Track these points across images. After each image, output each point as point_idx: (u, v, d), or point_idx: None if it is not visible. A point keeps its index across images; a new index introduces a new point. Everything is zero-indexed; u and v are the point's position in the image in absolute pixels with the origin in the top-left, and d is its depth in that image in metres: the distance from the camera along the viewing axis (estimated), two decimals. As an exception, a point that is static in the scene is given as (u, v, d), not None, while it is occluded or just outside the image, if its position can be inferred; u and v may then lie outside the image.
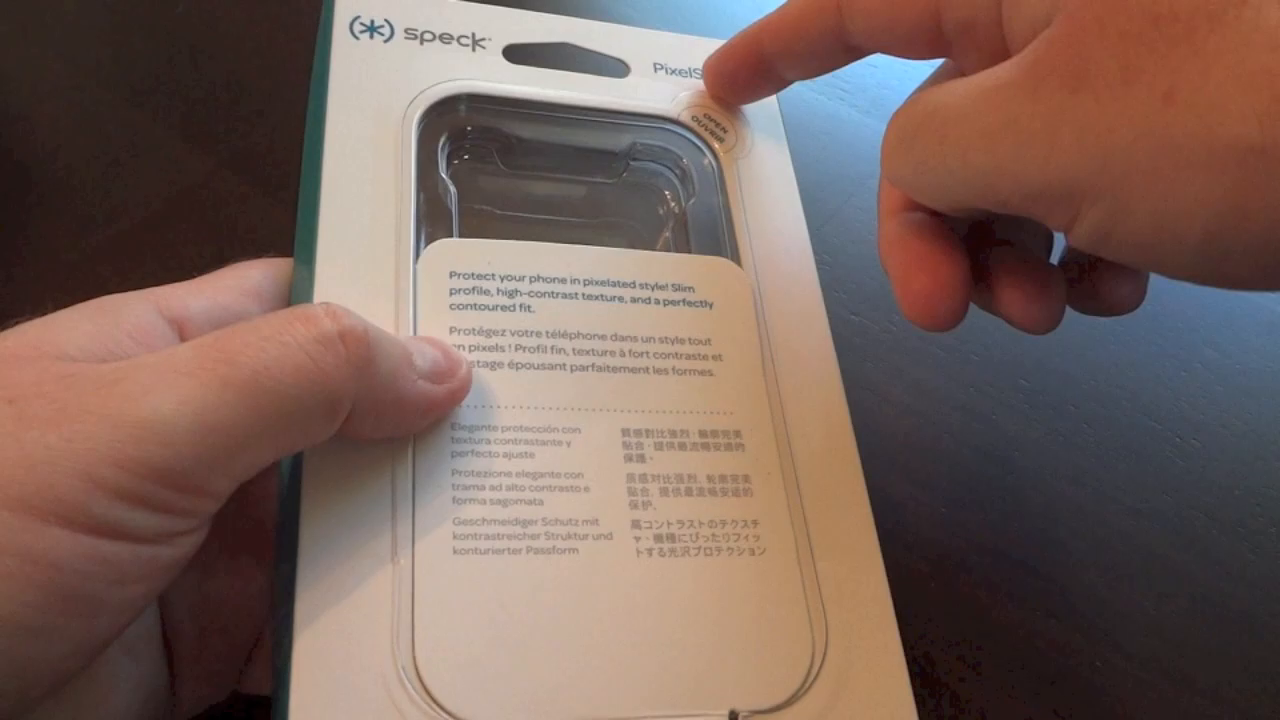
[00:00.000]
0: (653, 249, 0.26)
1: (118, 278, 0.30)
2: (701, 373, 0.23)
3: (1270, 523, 0.29)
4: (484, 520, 0.20)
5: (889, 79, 0.40)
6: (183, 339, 0.19)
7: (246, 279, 0.21)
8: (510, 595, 0.19)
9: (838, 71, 0.24)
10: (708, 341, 0.23)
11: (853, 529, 0.22)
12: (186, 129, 0.34)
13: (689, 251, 0.25)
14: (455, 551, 0.19)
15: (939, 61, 0.23)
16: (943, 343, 0.32)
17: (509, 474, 0.20)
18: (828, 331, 0.24)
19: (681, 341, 0.23)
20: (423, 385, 0.19)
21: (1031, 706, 0.25)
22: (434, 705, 0.18)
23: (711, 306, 0.24)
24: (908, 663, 0.21)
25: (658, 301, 0.23)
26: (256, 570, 0.21)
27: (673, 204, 0.27)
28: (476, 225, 0.25)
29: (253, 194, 0.33)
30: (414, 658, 0.18)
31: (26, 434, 0.15)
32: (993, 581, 0.27)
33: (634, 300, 0.23)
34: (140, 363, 0.17)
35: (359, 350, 0.18)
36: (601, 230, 0.27)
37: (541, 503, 0.20)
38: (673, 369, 0.22)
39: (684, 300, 0.23)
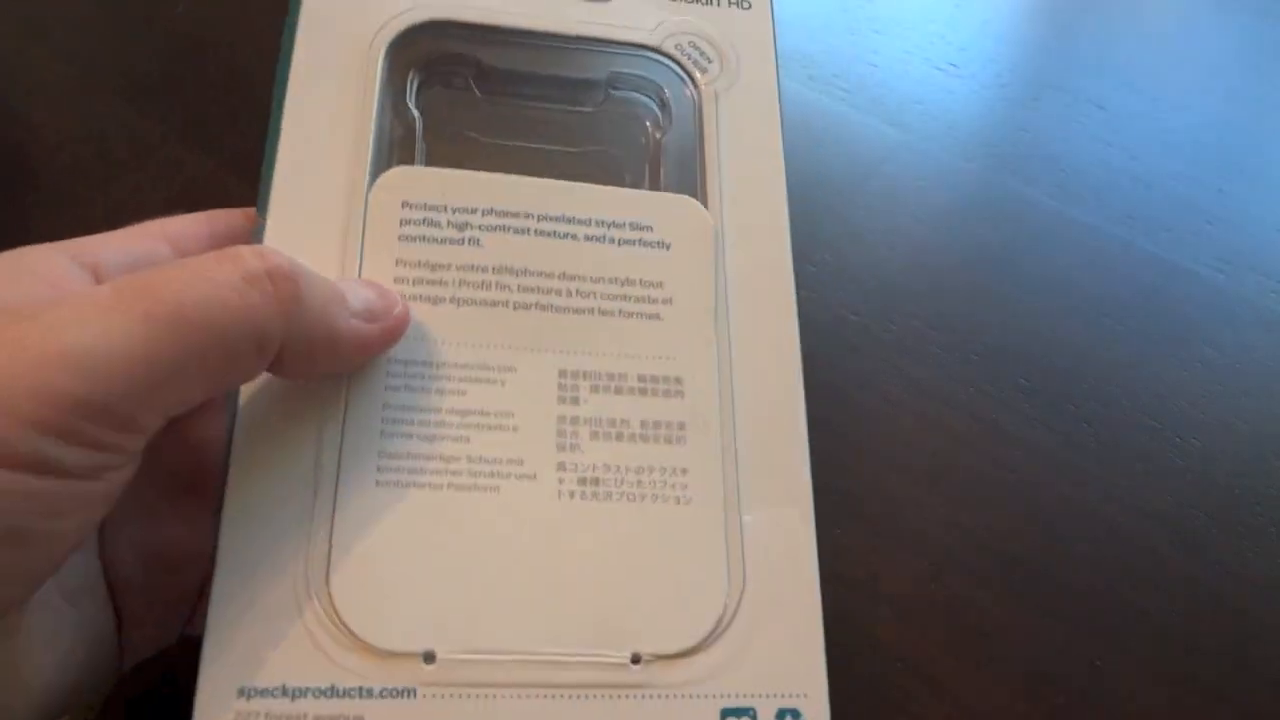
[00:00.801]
0: (633, 179, 0.25)
1: (118, 278, 0.30)
2: (649, 316, 0.22)
3: (1270, 523, 0.29)
4: (409, 454, 0.20)
5: (889, 79, 0.40)
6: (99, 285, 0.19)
7: (164, 227, 0.21)
8: (427, 529, 0.20)
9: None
10: (660, 284, 0.23)
11: (786, 485, 0.22)
12: (186, 129, 0.34)
13: (660, 186, 0.25)
14: (378, 483, 0.20)
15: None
16: (943, 343, 0.32)
17: (439, 410, 0.21)
18: (790, 283, 0.24)
19: (632, 283, 0.23)
20: (355, 323, 0.19)
21: (1031, 706, 0.25)
22: (343, 629, 0.19)
23: (669, 248, 0.23)
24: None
25: (612, 240, 0.23)
26: (201, 514, 0.21)
27: (655, 134, 0.26)
28: (453, 152, 0.24)
29: (253, 194, 0.33)
30: (327, 582, 0.19)
31: None
32: (993, 581, 0.27)
33: (588, 238, 0.23)
34: (60, 300, 0.16)
35: (286, 287, 0.18)
36: (583, 158, 0.26)
37: (468, 440, 0.20)
38: (619, 311, 0.22)
39: (640, 240, 0.23)
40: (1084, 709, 0.26)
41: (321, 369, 0.20)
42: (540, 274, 0.22)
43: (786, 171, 0.25)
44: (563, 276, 0.22)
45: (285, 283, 0.18)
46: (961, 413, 0.31)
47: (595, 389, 0.21)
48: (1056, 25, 0.44)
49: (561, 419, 0.21)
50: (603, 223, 0.23)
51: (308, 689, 0.18)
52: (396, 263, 0.22)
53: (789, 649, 0.20)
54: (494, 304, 0.22)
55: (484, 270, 0.22)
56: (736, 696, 0.20)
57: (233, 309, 0.17)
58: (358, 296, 0.20)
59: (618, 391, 0.22)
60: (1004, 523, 0.29)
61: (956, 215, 0.36)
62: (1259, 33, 0.44)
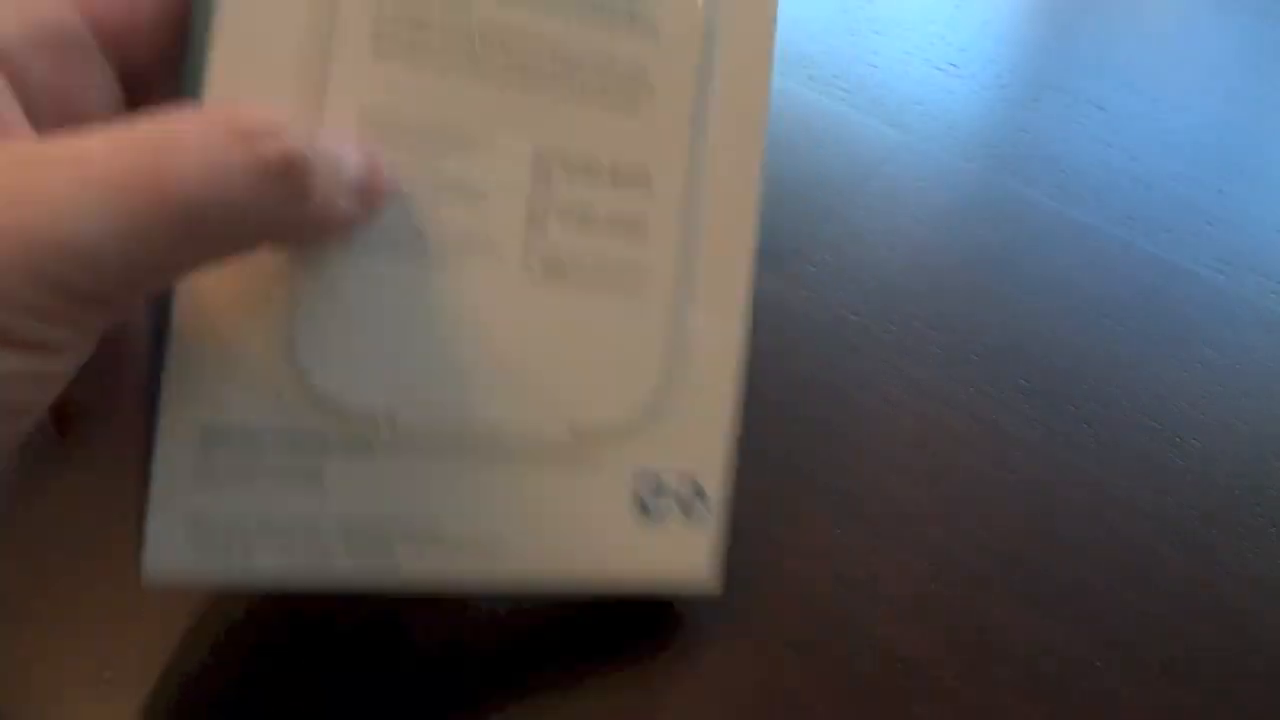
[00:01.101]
0: None
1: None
2: (628, 106, 0.23)
3: (1270, 523, 0.29)
4: (377, 221, 0.20)
5: (889, 79, 0.40)
6: (8, 76, 0.17)
7: None
8: (391, 296, 0.20)
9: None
10: (643, 71, 0.23)
11: (729, 294, 0.23)
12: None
13: None
14: (344, 250, 0.20)
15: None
16: (943, 343, 0.32)
17: (411, 179, 0.20)
18: (768, 86, 0.24)
19: (616, 67, 0.23)
20: (346, 207, 0.19)
21: (1032, 707, 0.25)
22: (305, 383, 0.19)
23: (657, 37, 0.23)
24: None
25: (604, 22, 0.23)
26: None
27: None
28: None
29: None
30: (293, 341, 0.19)
31: None
32: (993, 581, 0.27)
33: (579, 15, 0.22)
34: (51, 164, 0.15)
35: (299, 182, 0.17)
36: None
37: (438, 210, 0.21)
38: (601, 93, 0.22)
39: (630, 24, 0.23)
40: (1084, 709, 0.26)
41: (300, 243, 0.19)
42: (526, 47, 0.22)
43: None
44: (551, 55, 0.22)
45: (298, 176, 0.17)
46: (961, 413, 0.31)
47: (568, 173, 0.22)
48: (1056, 25, 0.44)
49: (532, 200, 0.21)
50: (595, 3, 0.23)
51: (268, 434, 0.19)
52: (379, 9, 0.21)
53: (702, 436, 0.23)
54: (476, 74, 0.21)
55: (469, 37, 0.21)
56: (651, 465, 0.22)
57: (244, 208, 0.16)
58: (351, 167, 0.19)
59: (589, 178, 0.22)
60: (1004, 523, 0.29)
61: (956, 215, 0.36)
62: (1259, 33, 0.44)
